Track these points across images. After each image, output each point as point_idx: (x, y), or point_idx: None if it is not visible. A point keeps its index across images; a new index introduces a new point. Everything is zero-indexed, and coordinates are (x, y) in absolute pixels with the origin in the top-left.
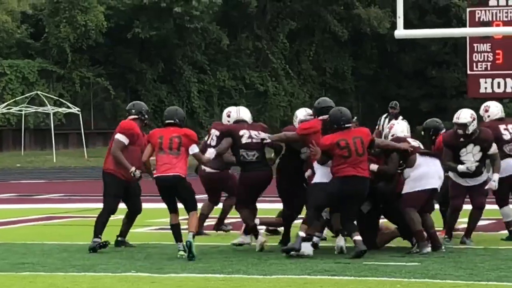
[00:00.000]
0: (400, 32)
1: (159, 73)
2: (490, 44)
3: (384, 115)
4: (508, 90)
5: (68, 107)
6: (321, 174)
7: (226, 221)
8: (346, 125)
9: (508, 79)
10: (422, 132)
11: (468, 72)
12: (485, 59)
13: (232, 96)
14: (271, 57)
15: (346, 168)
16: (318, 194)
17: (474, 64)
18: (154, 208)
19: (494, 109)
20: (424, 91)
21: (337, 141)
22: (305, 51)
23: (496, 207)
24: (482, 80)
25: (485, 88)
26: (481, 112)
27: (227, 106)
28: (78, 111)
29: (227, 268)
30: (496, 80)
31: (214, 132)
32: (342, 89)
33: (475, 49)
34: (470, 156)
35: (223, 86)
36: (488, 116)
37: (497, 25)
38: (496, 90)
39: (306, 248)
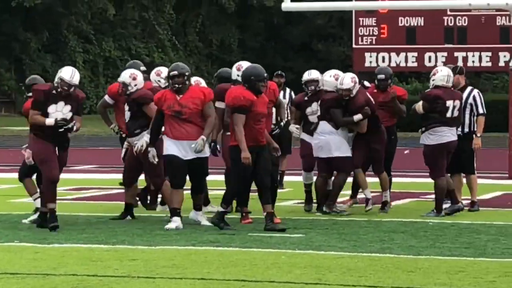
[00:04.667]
0: (287, 4)
1: (44, 42)
2: (375, 18)
3: None
4: (393, 64)
5: None
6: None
7: None
8: None
9: (392, 53)
10: None
11: (354, 46)
12: (370, 33)
13: (118, 66)
14: (158, 28)
15: None
16: None
17: (360, 38)
18: None
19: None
20: (310, 64)
21: None
22: (192, 23)
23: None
24: (367, 54)
25: (370, 62)
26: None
27: (112, 77)
28: None
29: (112, 238)
30: (381, 54)
31: None
32: (228, 61)
33: (361, 23)
34: None
35: (109, 57)
36: (433, 80)
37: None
38: (381, 64)
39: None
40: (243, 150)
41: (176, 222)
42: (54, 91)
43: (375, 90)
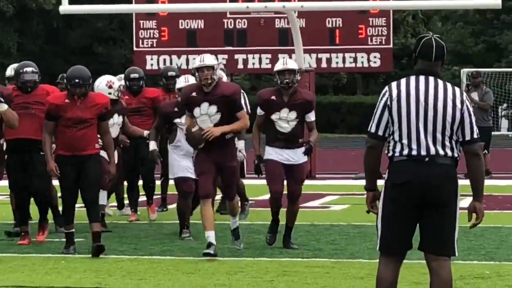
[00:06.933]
0: (65, 7)
1: None
2: (155, 21)
3: None
4: (174, 66)
5: None
6: None
7: None
8: None
9: (174, 56)
10: None
11: (135, 48)
12: (151, 36)
13: None
14: None
15: None
16: None
17: (140, 41)
18: None
19: None
20: (91, 67)
21: None
22: None
23: None
24: (148, 57)
25: (151, 64)
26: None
27: None
28: None
29: None
30: (162, 57)
31: None
32: (7, 65)
33: (141, 26)
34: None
35: None
36: None
37: (163, 2)
38: (162, 66)
39: None
40: (47, 161)
41: None
42: None
43: (126, 97)
